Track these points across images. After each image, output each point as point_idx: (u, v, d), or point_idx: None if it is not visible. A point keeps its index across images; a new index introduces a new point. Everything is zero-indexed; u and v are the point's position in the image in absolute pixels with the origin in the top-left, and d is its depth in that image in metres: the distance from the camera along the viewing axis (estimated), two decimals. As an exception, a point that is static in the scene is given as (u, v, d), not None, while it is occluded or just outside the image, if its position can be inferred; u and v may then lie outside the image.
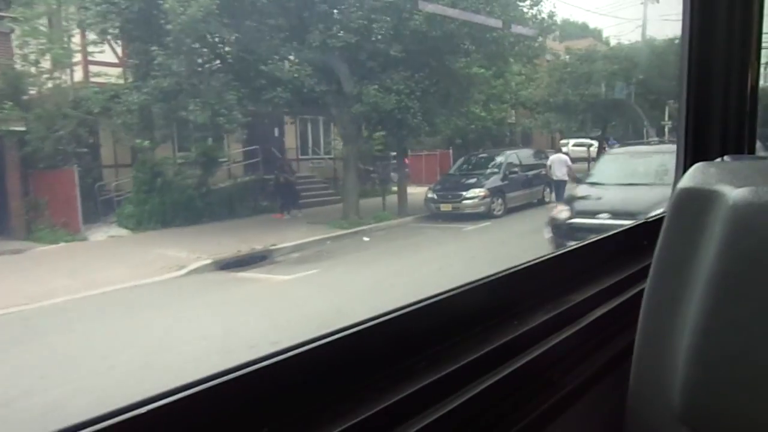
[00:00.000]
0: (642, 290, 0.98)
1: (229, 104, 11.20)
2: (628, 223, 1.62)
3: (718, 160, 1.07)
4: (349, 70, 12.20)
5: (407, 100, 12.53)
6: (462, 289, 1.08)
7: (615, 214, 7.37)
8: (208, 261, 8.77)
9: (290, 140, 15.87)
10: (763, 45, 1.97)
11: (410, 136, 14.08)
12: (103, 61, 11.62)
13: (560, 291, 1.25)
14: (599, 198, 8.66)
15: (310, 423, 0.77)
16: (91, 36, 11.11)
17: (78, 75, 11.74)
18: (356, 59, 12.12)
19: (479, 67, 14.79)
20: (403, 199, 14.17)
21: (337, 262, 9.65)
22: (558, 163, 14.16)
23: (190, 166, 12.45)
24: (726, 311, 0.84)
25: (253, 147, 14.11)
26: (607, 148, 20.96)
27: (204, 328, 5.57)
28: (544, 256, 1.31)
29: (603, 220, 7.63)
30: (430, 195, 13.74)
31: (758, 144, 2.14)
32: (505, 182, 14.01)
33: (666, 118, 22.74)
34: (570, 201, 9.55)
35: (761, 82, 2.04)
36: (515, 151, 16.30)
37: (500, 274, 1.17)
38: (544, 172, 14.57)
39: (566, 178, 13.51)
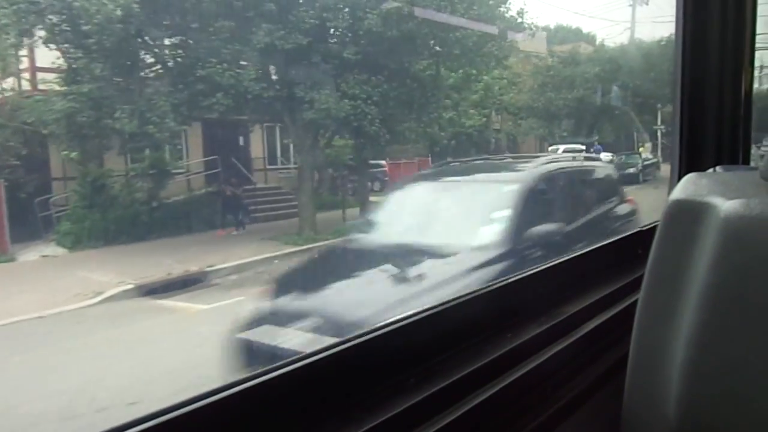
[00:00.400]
0: (635, 301, 0.97)
1: (161, 111, 10.26)
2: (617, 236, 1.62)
3: (710, 170, 1.06)
4: (300, 74, 11.27)
5: (364, 105, 11.49)
6: (455, 302, 1.07)
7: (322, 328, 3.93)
8: (131, 286, 7.88)
9: (257, 149, 14.64)
10: (757, 47, 1.97)
11: (370, 145, 12.89)
12: (44, 67, 10.60)
13: (553, 303, 1.24)
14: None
15: (298, 442, 0.76)
16: (27, 39, 10.20)
17: (24, 83, 10.87)
18: (308, 62, 11.18)
19: (446, 69, 13.86)
20: (367, 210, 12.62)
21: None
22: None
23: (141, 178, 11.49)
24: (719, 323, 0.83)
25: (214, 157, 12.91)
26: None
27: (68, 378, 4.88)
28: (537, 267, 1.30)
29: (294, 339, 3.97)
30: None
31: (753, 148, 2.14)
32: None
33: (659, 122, 22.41)
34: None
35: (756, 86, 2.05)
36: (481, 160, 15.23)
37: (493, 287, 1.16)
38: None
39: None
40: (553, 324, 1.16)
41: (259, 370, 0.76)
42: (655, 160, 21.07)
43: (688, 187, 0.91)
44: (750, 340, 0.81)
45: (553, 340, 1.13)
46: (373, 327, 0.92)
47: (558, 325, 1.16)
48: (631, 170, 18.50)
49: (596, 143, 21.19)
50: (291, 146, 14.01)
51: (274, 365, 0.78)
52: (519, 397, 1.01)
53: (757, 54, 2.01)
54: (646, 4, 20.52)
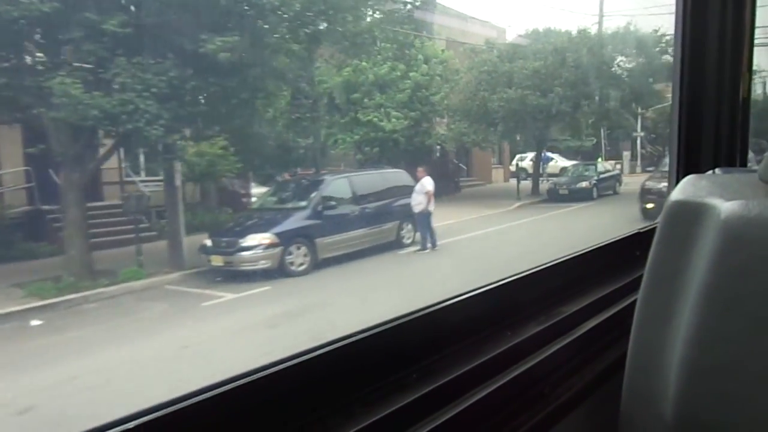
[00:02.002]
0: (634, 301, 0.98)
1: None
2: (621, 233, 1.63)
3: (710, 172, 1.07)
4: (42, 54, 8.12)
5: (139, 101, 8.04)
6: (454, 300, 1.08)
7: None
8: None
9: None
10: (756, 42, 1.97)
11: (155, 153, 9.73)
12: None
13: (553, 302, 1.25)
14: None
15: (300, 437, 0.76)
16: None
17: None
18: (52, 37, 7.97)
19: (289, 52, 9.89)
20: (176, 243, 9.31)
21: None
22: (417, 191, 10.74)
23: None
24: (717, 323, 0.84)
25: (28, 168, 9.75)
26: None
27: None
28: (536, 267, 1.31)
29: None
30: (206, 241, 9.14)
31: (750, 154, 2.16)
32: (317, 222, 9.60)
33: (638, 128, 20.96)
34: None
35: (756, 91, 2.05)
36: (351, 174, 11.79)
37: (493, 285, 1.17)
38: (406, 202, 10.80)
39: (430, 208, 10.52)
40: (552, 323, 1.17)
41: (262, 365, 0.77)
42: (614, 172, 18.87)
43: (687, 188, 0.92)
44: (748, 340, 0.82)
45: (552, 339, 1.14)
46: (375, 324, 0.93)
47: (557, 325, 1.17)
48: (583, 184, 16.75)
49: (546, 152, 19.24)
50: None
51: (278, 360, 0.79)
52: (518, 395, 1.02)
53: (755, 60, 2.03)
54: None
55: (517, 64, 15.89)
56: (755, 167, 0.96)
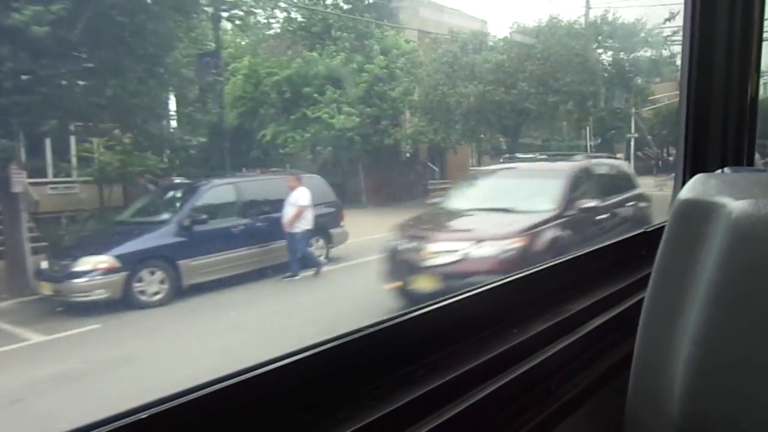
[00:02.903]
0: (640, 300, 0.98)
1: None
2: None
3: (719, 171, 1.07)
4: None
5: None
6: (461, 296, 1.08)
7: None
8: None
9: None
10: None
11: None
12: None
13: (559, 300, 1.25)
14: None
15: (308, 431, 0.77)
16: None
17: None
18: None
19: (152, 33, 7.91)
20: (17, 261, 7.41)
21: None
22: (290, 203, 8.34)
23: None
24: (725, 322, 0.84)
25: None
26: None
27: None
28: (543, 264, 1.31)
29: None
30: (43, 262, 7.36)
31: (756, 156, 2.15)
32: (183, 239, 7.61)
33: (632, 129, 19.45)
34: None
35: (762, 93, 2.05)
36: (240, 180, 9.56)
37: (499, 282, 1.17)
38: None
39: (305, 227, 8.26)
40: (559, 320, 1.17)
41: (271, 358, 0.77)
42: None
43: (696, 187, 0.92)
44: (756, 338, 0.82)
45: (558, 337, 1.14)
46: (383, 319, 0.94)
47: (563, 322, 1.17)
48: None
49: (516, 154, 17.05)
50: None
51: (287, 353, 0.79)
52: (525, 392, 1.03)
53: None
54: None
55: (479, 56, 14.22)
56: (761, 168, 0.96)
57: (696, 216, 0.89)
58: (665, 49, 16.32)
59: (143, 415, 0.65)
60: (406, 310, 0.98)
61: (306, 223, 8.27)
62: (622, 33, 16.15)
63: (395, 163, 14.98)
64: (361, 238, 9.35)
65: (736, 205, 0.82)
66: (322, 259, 8.74)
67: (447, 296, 1.05)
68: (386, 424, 0.81)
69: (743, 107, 1.91)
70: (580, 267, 1.42)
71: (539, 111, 14.85)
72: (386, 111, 13.94)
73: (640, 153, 21.51)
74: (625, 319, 1.24)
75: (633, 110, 19.47)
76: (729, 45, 1.86)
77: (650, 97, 19.68)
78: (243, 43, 14.30)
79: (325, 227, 8.95)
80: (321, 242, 8.89)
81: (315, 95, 12.90)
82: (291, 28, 14.33)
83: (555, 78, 14.24)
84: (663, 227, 0.95)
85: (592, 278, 1.39)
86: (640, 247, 1.54)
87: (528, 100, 14.16)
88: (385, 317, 0.94)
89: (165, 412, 0.67)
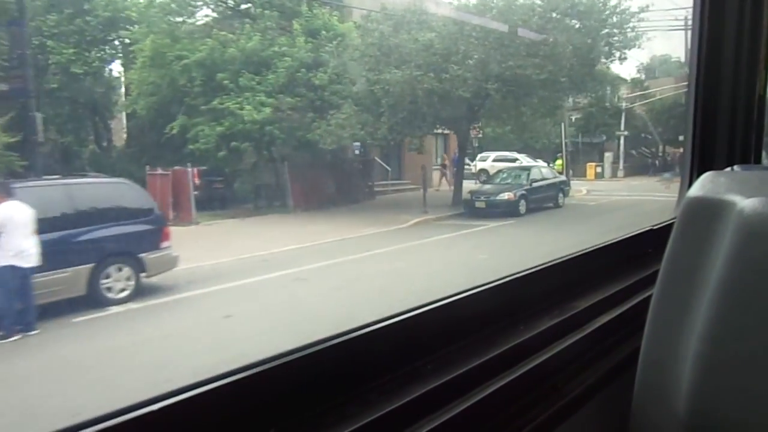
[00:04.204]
0: (647, 298, 0.98)
1: None
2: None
3: (728, 169, 1.07)
4: None
5: None
6: (469, 292, 1.08)
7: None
8: None
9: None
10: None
11: None
12: None
13: (566, 297, 1.25)
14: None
15: (317, 425, 0.77)
16: None
17: None
18: None
19: None
20: None
21: None
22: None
23: None
24: (734, 320, 0.84)
25: None
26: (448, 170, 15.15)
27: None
28: (550, 261, 1.31)
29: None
30: None
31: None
32: None
33: (622, 126, 17.90)
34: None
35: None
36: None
37: (507, 279, 1.17)
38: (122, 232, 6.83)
39: (9, 260, 5.41)
40: (565, 318, 1.17)
41: (279, 353, 0.78)
42: (556, 179, 14.61)
43: (705, 184, 0.92)
44: (764, 337, 0.82)
45: (565, 334, 1.14)
46: (391, 315, 0.94)
47: (570, 319, 1.17)
48: (505, 196, 12.77)
49: (455, 154, 15.20)
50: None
51: (295, 348, 0.79)
52: (531, 388, 1.03)
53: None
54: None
55: (408, 36, 11.88)
56: None
57: (706, 214, 0.88)
58: (631, 30, 13.73)
59: (153, 407, 0.66)
60: (414, 306, 0.98)
61: (9, 256, 5.34)
62: (584, 10, 13.51)
63: (336, 162, 13.11)
64: (235, 257, 7.84)
65: (746, 203, 0.82)
66: (124, 294, 6.37)
67: (455, 292, 1.05)
68: (394, 419, 0.81)
69: (751, 105, 1.90)
70: (587, 264, 1.42)
71: (483, 102, 12.69)
72: (315, 102, 11.83)
73: (634, 152, 20.69)
74: (631, 316, 1.24)
75: (623, 105, 18.15)
76: (738, 41, 1.85)
77: (642, 92, 18.54)
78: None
79: (131, 251, 6.64)
80: (126, 271, 6.48)
81: (226, 82, 11.07)
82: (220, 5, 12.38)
83: (497, 62, 11.97)
84: (671, 224, 0.95)
85: (599, 275, 1.39)
86: (648, 244, 1.53)
87: (462, 87, 11.86)
88: (394, 312, 0.94)
89: (175, 405, 0.67)
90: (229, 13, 12.34)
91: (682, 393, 0.88)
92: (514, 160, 17.04)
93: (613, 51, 14.06)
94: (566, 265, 1.36)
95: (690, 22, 2.02)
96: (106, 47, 11.44)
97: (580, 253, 1.44)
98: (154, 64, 11.13)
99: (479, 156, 17.73)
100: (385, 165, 15.28)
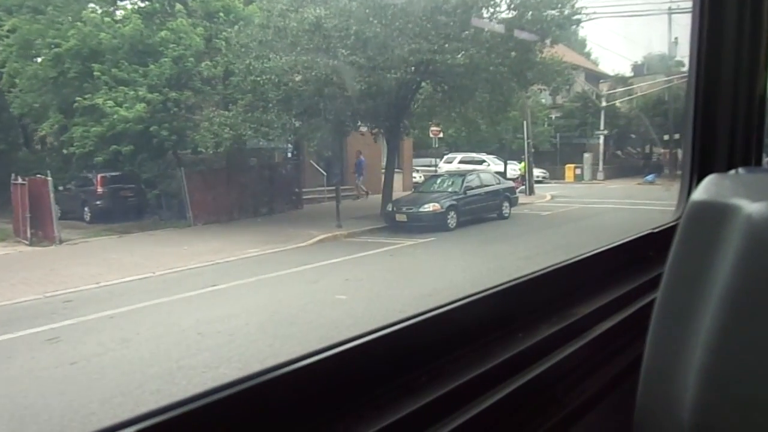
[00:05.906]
0: (649, 303, 0.95)
1: None
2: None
3: (732, 172, 1.04)
4: None
5: None
6: (465, 300, 1.05)
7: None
8: None
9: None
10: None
11: None
12: None
13: (565, 303, 1.22)
14: None
15: (307, 441, 0.74)
16: None
17: None
18: None
19: None
20: None
21: None
22: None
23: None
24: (740, 327, 0.81)
25: None
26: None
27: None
28: (548, 267, 1.28)
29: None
30: None
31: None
32: None
33: (602, 125, 16.21)
34: None
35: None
36: None
37: (504, 286, 1.14)
38: None
39: None
40: (565, 325, 1.14)
41: (272, 366, 0.74)
42: (500, 185, 12.64)
43: (709, 188, 0.89)
44: None
45: (566, 341, 1.11)
46: (384, 325, 0.90)
47: (570, 326, 1.14)
48: (429, 207, 10.84)
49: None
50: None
51: (286, 361, 0.76)
52: (531, 399, 1.00)
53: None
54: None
55: (295, 15, 9.95)
56: None
57: (710, 218, 0.86)
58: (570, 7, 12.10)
59: (165, 416, 0.63)
60: (408, 316, 0.94)
61: None
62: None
63: (258, 167, 11.29)
64: (111, 281, 6.52)
65: (754, 208, 0.79)
66: None
67: (450, 300, 1.02)
68: (388, 434, 0.78)
69: (752, 106, 1.88)
70: (586, 268, 1.39)
71: (411, 97, 10.63)
72: (214, 97, 10.20)
73: (620, 152, 19.62)
74: (633, 322, 1.20)
75: (603, 104, 16.93)
76: (738, 42, 1.82)
77: (626, 87, 17.26)
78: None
79: None
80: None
81: (98, 74, 9.42)
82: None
83: (402, 45, 9.73)
84: (671, 228, 0.92)
85: (599, 280, 1.36)
86: (649, 248, 1.50)
87: (358, 77, 9.95)
88: (386, 323, 0.91)
89: (182, 416, 0.65)
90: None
91: (687, 404, 0.86)
92: (482, 162, 15.97)
93: (550, 30, 11.77)
94: (566, 270, 1.33)
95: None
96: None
97: (579, 258, 1.41)
98: (19, 52, 9.78)
99: (445, 158, 16.80)
100: (320, 169, 13.61)
